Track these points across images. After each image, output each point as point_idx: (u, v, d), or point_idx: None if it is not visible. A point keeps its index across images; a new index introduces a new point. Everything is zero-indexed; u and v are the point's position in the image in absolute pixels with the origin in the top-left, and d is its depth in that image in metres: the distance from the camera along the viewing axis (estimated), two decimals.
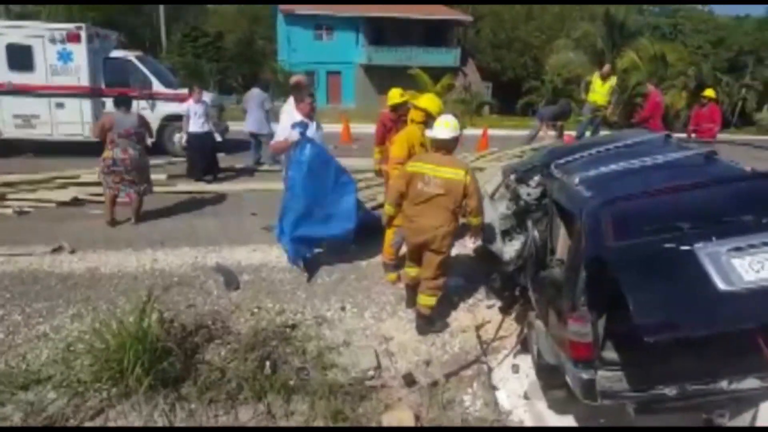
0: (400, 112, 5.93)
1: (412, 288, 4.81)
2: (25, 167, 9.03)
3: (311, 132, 5.40)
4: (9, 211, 6.85)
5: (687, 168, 3.38)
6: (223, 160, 9.89)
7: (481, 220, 4.55)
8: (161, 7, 30.84)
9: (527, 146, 11.04)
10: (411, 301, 4.87)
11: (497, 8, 38.58)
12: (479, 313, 4.93)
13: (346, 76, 33.08)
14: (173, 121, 10.93)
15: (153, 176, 8.48)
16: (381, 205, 7.32)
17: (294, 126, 5.25)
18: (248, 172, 9.75)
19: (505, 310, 4.29)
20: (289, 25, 32.47)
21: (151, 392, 3.82)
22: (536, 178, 5.26)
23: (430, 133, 4.46)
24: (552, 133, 11.79)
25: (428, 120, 5.13)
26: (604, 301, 2.88)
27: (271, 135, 10.15)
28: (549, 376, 3.57)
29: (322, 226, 5.23)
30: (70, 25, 10.53)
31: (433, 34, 33.39)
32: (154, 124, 10.84)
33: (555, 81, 29.30)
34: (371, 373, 4.29)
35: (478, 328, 4.79)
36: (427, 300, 4.59)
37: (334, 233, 5.32)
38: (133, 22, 29.44)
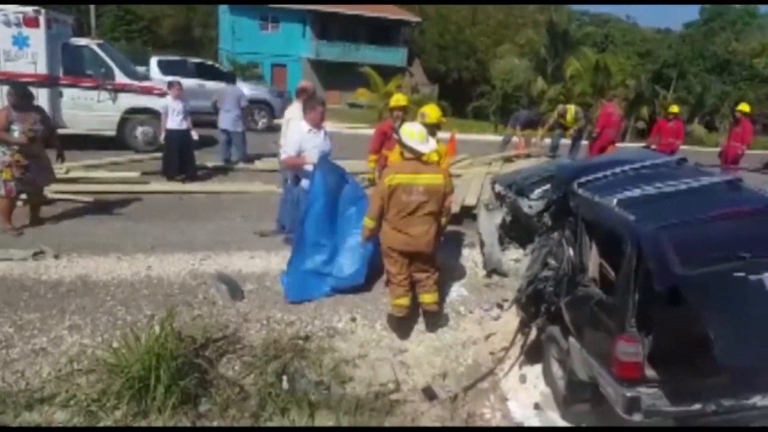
0: (396, 116, 5.90)
1: (407, 318, 4.77)
2: None
3: (321, 140, 5.30)
4: None
5: (722, 193, 3.58)
6: None
7: (448, 219, 5.00)
8: None
9: (501, 153, 11.40)
10: (406, 332, 4.80)
11: (443, 10, 39.15)
12: (486, 324, 5.03)
13: (292, 69, 32.61)
14: (135, 114, 10.48)
15: (125, 173, 8.15)
16: None
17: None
18: (222, 171, 9.46)
19: (526, 324, 4.38)
20: (234, 14, 31.74)
21: (171, 411, 3.67)
22: (538, 191, 5.44)
23: (410, 144, 4.39)
24: (532, 140, 12.27)
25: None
26: (655, 323, 3.02)
27: (243, 133, 9.95)
28: (577, 391, 3.70)
29: (329, 263, 5.09)
30: (27, 8, 9.77)
31: (380, 33, 33.64)
32: (116, 117, 10.39)
33: (505, 87, 30.04)
34: (391, 386, 4.29)
35: (486, 339, 4.90)
36: (433, 297, 4.75)
37: (342, 275, 5.14)
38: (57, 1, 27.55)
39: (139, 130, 10.56)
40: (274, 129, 12.60)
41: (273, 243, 6.13)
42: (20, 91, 6.02)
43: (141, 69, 14.18)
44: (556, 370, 4.12)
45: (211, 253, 5.70)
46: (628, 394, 3.04)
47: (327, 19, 32.48)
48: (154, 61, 14.53)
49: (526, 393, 4.46)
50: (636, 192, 3.51)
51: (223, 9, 33.51)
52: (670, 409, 3.05)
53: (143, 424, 3.62)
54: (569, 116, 11.34)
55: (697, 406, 3.04)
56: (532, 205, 5.26)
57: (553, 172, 5.07)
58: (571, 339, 3.65)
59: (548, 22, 33.06)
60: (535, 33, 35.44)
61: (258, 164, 10.07)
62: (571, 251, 3.75)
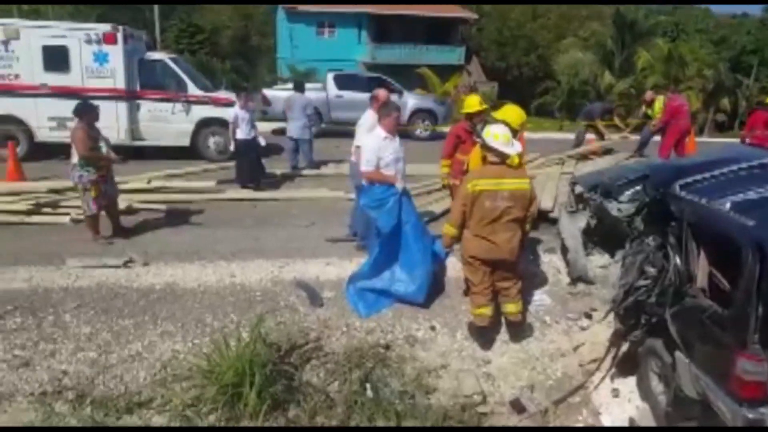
0: (476, 122, 5.76)
1: (489, 327, 4.63)
2: (62, 171, 8.83)
3: (397, 146, 5.25)
4: (66, 219, 6.65)
5: None
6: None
7: (532, 226, 4.67)
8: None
9: (576, 150, 11.01)
10: (488, 342, 4.66)
11: (502, 6, 38.15)
12: (574, 335, 4.83)
13: None
14: (208, 125, 10.84)
15: (202, 183, 8.39)
16: (435, 219, 7.12)
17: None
18: (289, 178, 9.61)
19: (621, 336, 4.16)
20: (291, 22, 32.08)
21: (263, 417, 3.70)
22: (628, 193, 5.12)
23: (496, 147, 4.25)
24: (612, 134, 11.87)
25: None
26: None
27: (310, 140, 10.08)
28: (683, 407, 3.45)
29: (389, 279, 5.00)
30: (106, 26, 10.32)
31: (437, 32, 32.94)
32: (190, 128, 10.77)
33: (572, 81, 29.02)
34: (477, 398, 4.18)
35: (574, 350, 4.70)
36: (517, 306, 4.60)
37: (401, 293, 4.99)
38: (124, 17, 28.97)
39: (212, 140, 10.91)
40: (437, 137, 12.99)
41: (346, 250, 6.13)
42: (95, 108, 6.13)
43: (317, 85, 14.91)
44: (656, 384, 3.88)
45: (288, 260, 5.76)
46: (750, 416, 2.81)
47: (382, 21, 32.26)
48: (330, 76, 14.95)
49: (619, 407, 4.25)
50: (751, 194, 3.24)
51: (280, 17, 34.03)
52: None
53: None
54: (657, 105, 10.54)
55: None
56: (621, 208, 4.95)
57: (646, 173, 4.77)
58: (678, 353, 3.40)
59: (615, 14, 31.72)
60: (599, 25, 34.05)
61: (324, 170, 10.19)
62: (677, 259, 3.50)
